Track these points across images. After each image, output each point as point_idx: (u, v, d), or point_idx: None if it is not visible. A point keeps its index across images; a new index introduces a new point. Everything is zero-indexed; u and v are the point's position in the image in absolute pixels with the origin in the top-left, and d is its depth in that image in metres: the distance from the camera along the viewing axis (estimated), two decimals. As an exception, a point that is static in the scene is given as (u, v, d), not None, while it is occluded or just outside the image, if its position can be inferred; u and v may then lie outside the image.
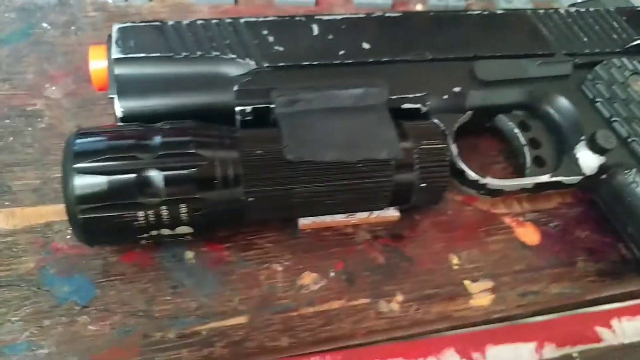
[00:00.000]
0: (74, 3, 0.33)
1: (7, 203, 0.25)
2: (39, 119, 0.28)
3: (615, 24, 0.30)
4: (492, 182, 0.26)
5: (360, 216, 0.26)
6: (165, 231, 0.22)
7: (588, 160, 0.26)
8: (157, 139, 0.21)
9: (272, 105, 0.24)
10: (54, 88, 0.29)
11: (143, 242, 0.23)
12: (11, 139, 0.27)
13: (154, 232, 0.22)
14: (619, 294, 0.28)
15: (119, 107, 0.24)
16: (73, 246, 0.24)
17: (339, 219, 0.26)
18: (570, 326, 0.45)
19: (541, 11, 0.30)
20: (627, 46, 0.29)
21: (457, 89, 0.26)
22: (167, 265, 0.25)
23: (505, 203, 0.29)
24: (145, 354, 0.22)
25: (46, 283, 0.23)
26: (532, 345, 0.41)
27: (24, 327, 0.22)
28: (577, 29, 0.29)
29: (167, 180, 0.21)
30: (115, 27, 0.25)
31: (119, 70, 0.24)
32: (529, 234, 0.28)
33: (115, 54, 0.24)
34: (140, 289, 0.24)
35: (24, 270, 0.24)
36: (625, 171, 0.26)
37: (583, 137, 0.26)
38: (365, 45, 0.27)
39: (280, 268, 0.25)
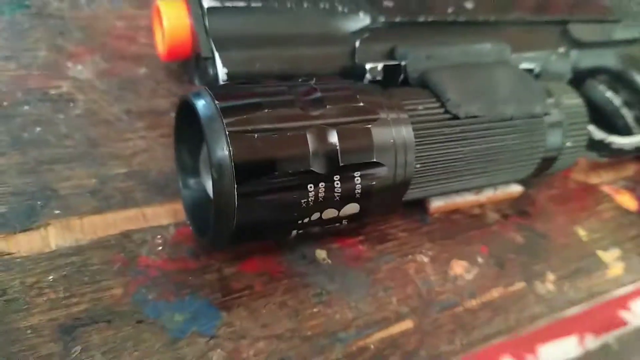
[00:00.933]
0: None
1: (56, 212, 0.18)
2: (71, 104, 0.21)
3: None
4: (617, 140, 0.24)
5: (487, 193, 0.23)
6: (331, 213, 0.17)
7: (685, 116, 0.26)
8: (317, 94, 0.16)
9: (403, 63, 0.21)
10: (79, 67, 0.22)
11: (295, 232, 0.17)
12: (39, 129, 0.20)
13: (315, 216, 0.16)
14: None
15: (222, 68, 0.18)
16: (170, 260, 0.18)
17: (468, 198, 0.23)
18: (600, 314, 0.45)
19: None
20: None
21: (561, 50, 0.25)
22: (300, 270, 0.19)
23: (596, 173, 0.28)
24: (308, 385, 0.16)
25: (149, 313, 0.16)
26: (574, 339, 0.40)
27: (131, 378, 0.15)
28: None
29: (344, 141, 0.16)
30: (195, -32, 0.20)
31: (215, 22, 0.19)
32: (628, 201, 0.27)
33: (208, 2, 0.19)
34: (278, 304, 0.18)
35: (110, 300, 0.16)
36: None
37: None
38: (469, 5, 0.24)
39: (426, 259, 0.21)
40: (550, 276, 0.22)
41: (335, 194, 0.16)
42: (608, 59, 0.27)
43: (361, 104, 0.17)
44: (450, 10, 0.24)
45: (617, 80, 0.28)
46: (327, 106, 0.16)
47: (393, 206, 0.19)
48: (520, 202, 0.25)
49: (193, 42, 0.20)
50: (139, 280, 0.17)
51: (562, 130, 0.22)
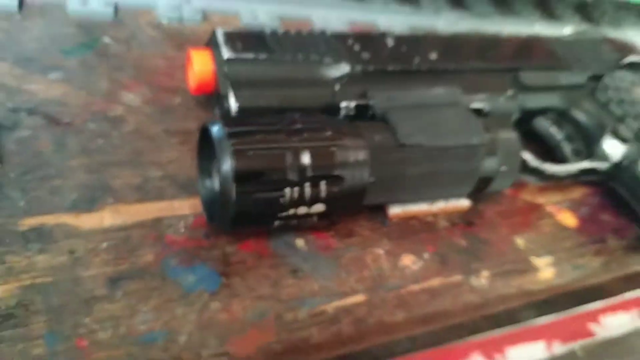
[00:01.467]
0: (128, 22, 0.34)
1: (110, 200, 0.25)
2: (124, 124, 0.28)
3: (604, 49, 0.37)
4: (550, 167, 0.30)
5: (439, 205, 0.29)
6: (302, 210, 0.23)
7: (614, 149, 0.32)
8: (298, 125, 0.23)
9: (370, 102, 0.27)
10: (131, 96, 0.30)
11: (277, 223, 0.24)
12: (100, 140, 0.27)
13: (291, 211, 0.23)
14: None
15: (234, 103, 0.25)
16: (189, 239, 0.25)
17: (422, 207, 0.29)
18: (568, 324, 0.50)
19: (552, 38, 0.36)
20: (621, 64, 0.36)
21: (509, 93, 0.31)
22: (283, 253, 0.25)
23: (543, 195, 0.34)
24: (280, 334, 0.23)
25: (170, 274, 0.23)
26: (541, 344, 0.45)
27: (157, 316, 0.22)
28: (580, 51, 0.36)
29: (314, 159, 0.22)
30: (220, 32, 0.27)
31: (232, 69, 0.26)
32: (568, 219, 0.33)
33: (227, 54, 0.26)
34: (263, 275, 0.24)
35: (144, 263, 0.23)
36: (643, 158, 0.31)
37: (606, 131, 0.32)
38: (433, 56, 0.31)
39: (381, 252, 0.27)
40: (485, 273, 0.28)
41: (306, 196, 0.23)
42: (553, 100, 0.33)
43: (329, 133, 0.23)
44: (416, 60, 0.30)
45: (562, 117, 0.34)
46: (305, 134, 0.23)
47: (353, 208, 0.26)
48: (469, 214, 0.31)
49: (215, 82, 0.27)
50: (165, 252, 0.24)
51: (497, 157, 0.28)
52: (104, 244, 0.23)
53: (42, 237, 0.23)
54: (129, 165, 0.27)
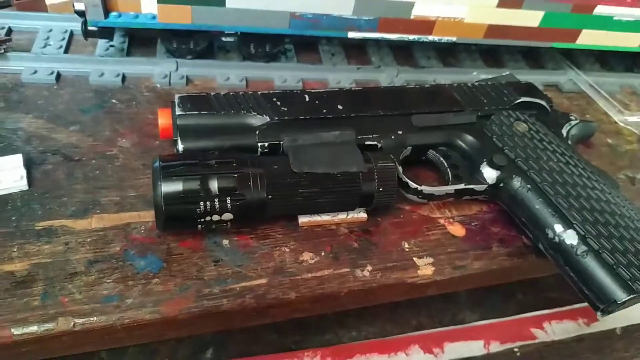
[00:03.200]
0: (132, 87, 0.47)
1: (97, 211, 0.37)
2: (116, 160, 0.41)
3: (505, 90, 0.45)
4: (425, 188, 0.39)
5: (340, 217, 0.39)
6: (215, 217, 0.34)
7: (489, 174, 0.40)
8: (212, 160, 0.34)
9: (281, 142, 0.38)
10: (124, 141, 0.42)
11: (199, 227, 0.34)
12: (98, 172, 0.39)
13: (207, 218, 0.34)
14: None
15: (180, 145, 0.37)
16: (146, 237, 0.36)
17: (326, 218, 0.38)
18: (511, 328, 0.58)
19: (455, 84, 0.45)
20: (512, 104, 0.44)
21: (400, 132, 0.40)
22: (210, 248, 0.36)
23: (440, 210, 0.42)
24: (197, 301, 0.33)
25: (129, 259, 0.34)
26: (481, 343, 0.52)
27: (115, 286, 0.33)
28: (479, 94, 0.45)
29: (220, 182, 0.33)
30: (177, 96, 0.39)
31: (180, 122, 0.37)
32: (457, 230, 0.41)
33: (179, 111, 0.38)
34: (193, 263, 0.35)
35: (113, 252, 0.35)
36: (514, 180, 0.39)
37: (485, 160, 0.40)
38: (340, 107, 0.41)
39: (287, 250, 0.37)
40: (369, 267, 0.37)
41: (216, 208, 0.33)
42: (444, 136, 0.42)
43: (234, 165, 0.34)
44: (324, 110, 0.40)
45: (452, 148, 0.42)
46: (215, 165, 0.34)
47: (259, 217, 0.36)
48: (367, 225, 0.40)
49: (173, 131, 0.38)
50: (128, 245, 0.35)
51: (375, 181, 0.37)
52: (89, 239, 0.35)
53: (49, 234, 0.35)
54: (114, 188, 0.39)
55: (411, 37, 0.48)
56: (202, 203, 0.33)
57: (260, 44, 0.49)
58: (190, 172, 0.33)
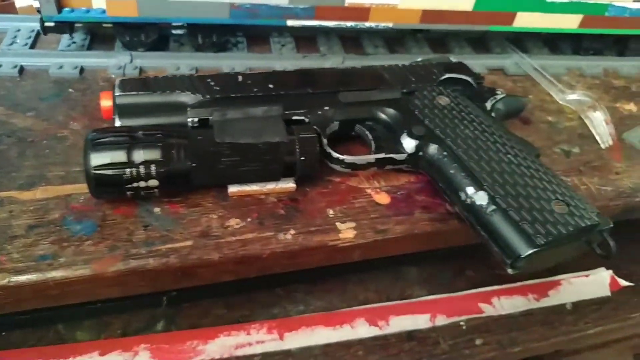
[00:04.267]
0: (90, 78, 0.51)
1: (43, 184, 0.40)
2: (66, 140, 0.44)
3: (434, 69, 0.48)
4: (347, 157, 0.41)
5: (269, 186, 0.42)
6: (142, 184, 0.37)
7: (408, 143, 0.42)
8: (139, 132, 0.37)
9: (210, 117, 0.41)
10: (75, 124, 0.46)
11: (128, 193, 0.37)
12: (47, 151, 0.43)
13: (134, 184, 0.37)
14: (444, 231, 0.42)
15: (118, 123, 0.40)
16: (84, 206, 0.39)
17: (254, 188, 0.41)
18: (458, 302, 0.60)
19: (386, 65, 0.48)
20: (438, 81, 0.47)
21: (326, 108, 0.43)
22: (142, 215, 0.39)
23: (369, 182, 0.44)
24: (125, 260, 0.36)
25: (66, 225, 0.38)
26: (427, 316, 0.54)
27: (50, 247, 0.36)
28: (408, 73, 0.47)
29: (144, 150, 0.36)
30: (118, 79, 0.42)
31: (119, 101, 0.41)
32: (383, 198, 0.43)
33: (117, 92, 0.41)
34: (124, 228, 0.38)
35: (52, 218, 0.38)
36: (431, 147, 0.41)
37: (405, 131, 0.42)
38: (271, 86, 0.44)
39: (215, 217, 0.40)
40: (292, 231, 0.39)
41: (142, 174, 0.36)
42: (371, 111, 0.44)
43: (159, 135, 0.37)
44: (255, 89, 0.43)
45: (377, 122, 0.45)
46: (141, 137, 0.37)
47: (185, 186, 0.39)
48: (295, 194, 0.42)
49: (113, 111, 0.42)
50: (67, 212, 0.38)
51: (297, 151, 0.39)
52: (32, 208, 0.38)
53: (-4, 203, 0.39)
54: (61, 164, 0.42)
55: (348, 24, 0.51)
56: (128, 170, 0.36)
57: (208, 35, 0.53)
58: (117, 142, 0.36)
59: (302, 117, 0.43)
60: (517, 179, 0.38)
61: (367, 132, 0.44)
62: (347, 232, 0.40)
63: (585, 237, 0.37)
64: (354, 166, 0.42)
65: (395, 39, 0.61)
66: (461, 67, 0.49)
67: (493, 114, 0.46)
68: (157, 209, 0.40)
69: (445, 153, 0.41)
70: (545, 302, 0.57)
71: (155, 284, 0.38)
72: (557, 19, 0.55)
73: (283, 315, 0.52)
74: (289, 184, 0.42)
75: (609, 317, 0.57)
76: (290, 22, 0.51)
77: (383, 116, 0.44)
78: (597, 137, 0.53)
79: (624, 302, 0.59)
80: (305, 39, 0.60)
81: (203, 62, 0.53)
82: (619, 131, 0.55)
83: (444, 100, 0.44)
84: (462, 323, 0.54)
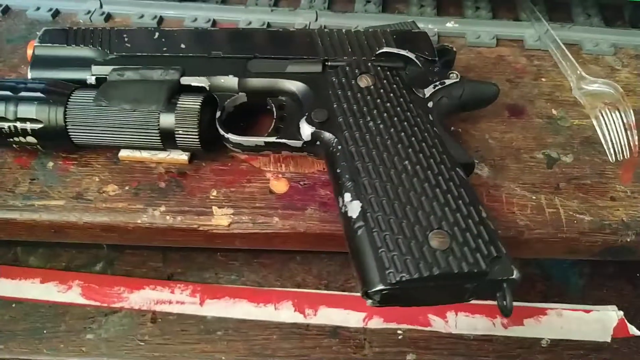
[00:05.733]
0: (61, 21, 0.53)
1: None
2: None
3: (383, 39, 0.40)
4: (232, 137, 0.37)
5: (160, 156, 0.39)
6: (22, 139, 0.37)
7: (305, 130, 0.36)
8: (22, 87, 0.37)
9: (107, 77, 0.39)
10: (27, 68, 0.48)
11: (14, 145, 0.38)
12: (-10, 93, 0.46)
13: (15, 139, 0.37)
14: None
15: (29, 74, 0.41)
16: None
17: (145, 155, 0.39)
18: (404, 308, 0.53)
19: (327, 30, 0.41)
20: (375, 54, 0.39)
21: (231, 76, 0.39)
22: (35, 168, 0.40)
23: (274, 165, 0.40)
24: (1, 209, 0.37)
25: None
26: (361, 315, 0.49)
27: (-51, 187, 0.39)
28: (347, 42, 0.40)
29: (19, 107, 0.36)
30: (43, 29, 0.42)
31: (36, 52, 0.41)
32: (280, 186, 0.38)
33: (36, 43, 0.41)
34: (13, 178, 0.39)
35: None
36: (328, 139, 0.35)
37: (304, 115, 0.36)
38: (183, 46, 0.40)
39: (97, 180, 0.39)
40: (162, 208, 0.37)
41: (19, 130, 0.37)
42: (276, 84, 0.39)
43: (39, 94, 0.37)
44: (165, 49, 0.40)
45: (290, 98, 0.39)
46: (22, 92, 0.37)
47: (69, 145, 0.38)
48: (188, 167, 0.39)
49: (32, 60, 0.42)
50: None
51: (175, 119, 0.36)
52: (-50, 147, 0.42)
53: None
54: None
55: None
56: (5, 125, 0.37)
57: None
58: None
59: (202, 84, 0.39)
60: (401, 194, 0.31)
61: (275, 109, 0.39)
62: (221, 218, 0.37)
63: (468, 283, 0.29)
64: (242, 147, 0.38)
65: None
66: (416, 39, 0.40)
67: (431, 103, 0.37)
68: (50, 164, 0.40)
69: (339, 147, 0.34)
70: (515, 332, 0.48)
71: (35, 235, 0.39)
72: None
73: (213, 281, 0.52)
74: (180, 156, 0.39)
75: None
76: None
77: (296, 92, 0.38)
78: (605, 146, 0.40)
79: (623, 355, 0.46)
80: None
81: (168, 11, 0.51)
82: (646, 141, 0.41)
83: (365, 81, 0.37)
84: (399, 332, 0.48)
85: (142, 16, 0.51)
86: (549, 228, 0.36)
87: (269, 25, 0.50)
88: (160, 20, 0.51)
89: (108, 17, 0.52)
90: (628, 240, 0.36)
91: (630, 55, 0.48)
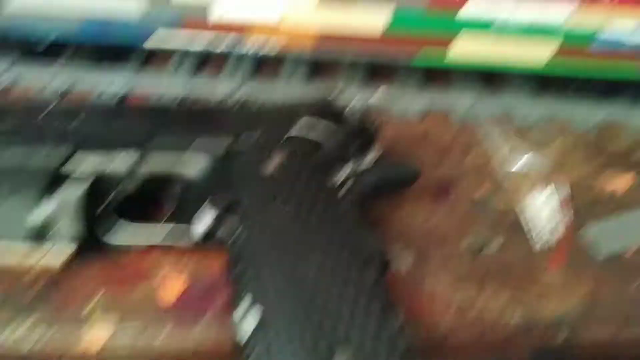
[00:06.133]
0: None
1: None
2: None
3: (298, 116, 0.36)
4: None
5: (37, 253, 0.34)
6: None
7: (206, 215, 0.32)
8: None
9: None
10: None
11: None
12: None
13: None
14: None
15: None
16: None
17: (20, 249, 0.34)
18: None
19: (238, 104, 0.38)
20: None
21: (123, 154, 0.34)
22: None
23: (175, 257, 0.34)
24: None
25: None
26: None
27: None
28: (258, 119, 0.36)
29: None
30: None
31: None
32: (172, 289, 0.33)
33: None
34: None
35: None
36: (223, 233, 0.31)
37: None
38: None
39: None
40: (29, 322, 0.31)
41: None
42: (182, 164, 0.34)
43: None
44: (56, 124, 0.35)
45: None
46: None
47: None
48: (70, 265, 0.34)
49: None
50: None
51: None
52: None
53: None
54: None
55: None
56: None
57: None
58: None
59: (90, 167, 0.34)
60: (305, 302, 0.27)
61: (172, 194, 0.34)
62: (99, 331, 0.31)
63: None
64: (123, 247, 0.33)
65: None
66: (335, 115, 0.37)
67: (344, 190, 0.33)
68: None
69: (235, 243, 0.30)
70: None
71: None
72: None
73: None
74: (58, 253, 0.34)
75: None
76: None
77: (197, 173, 0.34)
78: (527, 230, 0.37)
79: None
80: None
81: (83, 75, 0.46)
82: (579, 221, 0.38)
83: (273, 165, 0.33)
84: None
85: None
86: (473, 331, 0.32)
87: (185, 95, 0.46)
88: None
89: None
90: (560, 339, 0.33)
91: (559, 126, 0.46)
